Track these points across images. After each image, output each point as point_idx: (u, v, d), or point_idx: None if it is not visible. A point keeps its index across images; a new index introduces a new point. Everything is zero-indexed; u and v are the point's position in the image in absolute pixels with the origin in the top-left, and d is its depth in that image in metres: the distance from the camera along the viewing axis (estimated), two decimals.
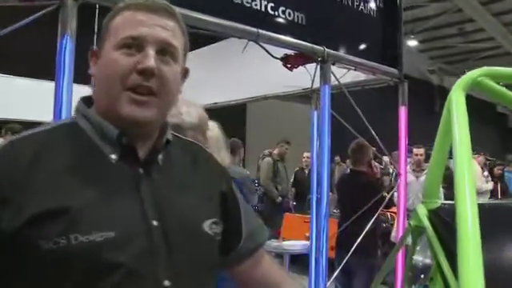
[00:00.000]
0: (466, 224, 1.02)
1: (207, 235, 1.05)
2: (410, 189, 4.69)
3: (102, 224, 0.91)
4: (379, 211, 4.16)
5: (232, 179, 1.21)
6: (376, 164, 5.85)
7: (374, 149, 4.45)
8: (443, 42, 15.77)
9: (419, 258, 4.58)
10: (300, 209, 7.97)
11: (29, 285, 0.90)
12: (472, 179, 1.10)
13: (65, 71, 2.06)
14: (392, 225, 7.36)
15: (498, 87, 1.38)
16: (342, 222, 4.30)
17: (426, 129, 4.42)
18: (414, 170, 5.84)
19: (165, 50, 1.00)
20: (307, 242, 4.59)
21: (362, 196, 4.19)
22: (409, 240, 1.62)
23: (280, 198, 7.67)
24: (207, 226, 1.05)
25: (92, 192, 0.93)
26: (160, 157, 1.05)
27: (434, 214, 1.43)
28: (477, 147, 8.47)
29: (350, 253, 3.89)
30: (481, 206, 1.05)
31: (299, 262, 5.06)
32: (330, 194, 4.02)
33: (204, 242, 1.05)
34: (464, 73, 1.39)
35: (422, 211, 1.45)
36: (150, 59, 0.96)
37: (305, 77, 3.68)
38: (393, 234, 4.78)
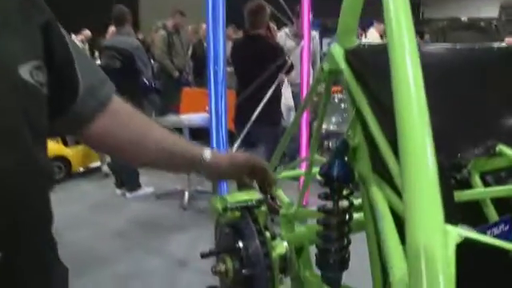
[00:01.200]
0: (404, 61, 0.77)
1: (28, 84, 0.73)
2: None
3: None
4: (281, 78, 3.95)
5: (53, 16, 0.84)
6: (274, 27, 5.43)
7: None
8: None
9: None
10: (200, 83, 7.64)
11: None
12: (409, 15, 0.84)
13: None
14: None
15: None
16: (241, 91, 4.03)
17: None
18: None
19: None
20: (206, 115, 4.31)
21: (261, 61, 3.89)
22: None
23: (177, 73, 7.26)
24: (26, 70, 0.73)
25: None
26: None
27: (352, 55, 1.15)
28: (378, 17, 8.42)
29: (252, 122, 3.69)
30: None
31: (200, 136, 4.83)
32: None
33: (24, 94, 0.73)
34: None
35: (338, 52, 1.16)
36: None
37: None
38: (283, 100, 4.50)
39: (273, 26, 5.16)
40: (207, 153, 1.08)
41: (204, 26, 7.78)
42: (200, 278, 3.24)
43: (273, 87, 3.75)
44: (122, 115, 0.97)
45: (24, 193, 0.74)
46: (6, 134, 0.69)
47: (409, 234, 0.67)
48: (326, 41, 8.20)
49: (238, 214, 1.16)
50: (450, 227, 0.82)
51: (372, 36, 8.06)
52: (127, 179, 5.20)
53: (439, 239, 0.65)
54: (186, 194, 4.92)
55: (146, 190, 5.27)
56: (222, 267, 1.16)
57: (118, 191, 5.27)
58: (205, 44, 8.02)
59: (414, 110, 0.75)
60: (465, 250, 0.85)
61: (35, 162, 0.76)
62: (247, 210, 1.15)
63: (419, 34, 10.79)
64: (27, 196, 0.75)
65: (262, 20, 4.05)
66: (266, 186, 1.20)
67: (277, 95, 4.00)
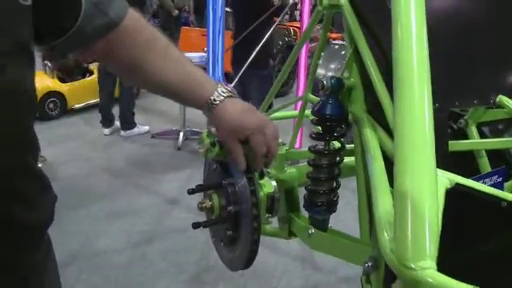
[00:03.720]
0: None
1: None
2: None
3: None
4: (277, 23, 3.90)
5: None
6: None
7: None
8: None
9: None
10: (199, 23, 7.49)
11: None
12: None
13: None
14: (295, 39, 7.14)
15: None
16: (237, 35, 4.00)
17: None
18: None
19: None
20: (204, 54, 4.24)
21: (252, 5, 3.84)
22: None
23: (177, 12, 7.09)
24: None
25: None
26: None
27: None
28: None
29: (242, 64, 3.68)
30: None
31: None
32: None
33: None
34: None
35: None
36: None
37: None
38: None
39: None
40: (215, 99, 0.91)
41: None
42: (191, 216, 3.27)
43: (270, 31, 3.69)
44: (131, 37, 0.88)
45: None
46: None
47: (397, 175, 0.65)
48: None
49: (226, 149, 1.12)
50: (440, 172, 0.80)
51: None
52: (122, 118, 5.14)
53: (428, 182, 0.63)
54: (181, 134, 4.90)
55: (141, 128, 5.24)
56: (208, 203, 1.14)
57: (106, 130, 5.20)
58: None
59: (412, 51, 0.72)
60: (457, 198, 0.83)
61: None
62: None
63: None
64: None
65: None
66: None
67: (271, 40, 3.99)
